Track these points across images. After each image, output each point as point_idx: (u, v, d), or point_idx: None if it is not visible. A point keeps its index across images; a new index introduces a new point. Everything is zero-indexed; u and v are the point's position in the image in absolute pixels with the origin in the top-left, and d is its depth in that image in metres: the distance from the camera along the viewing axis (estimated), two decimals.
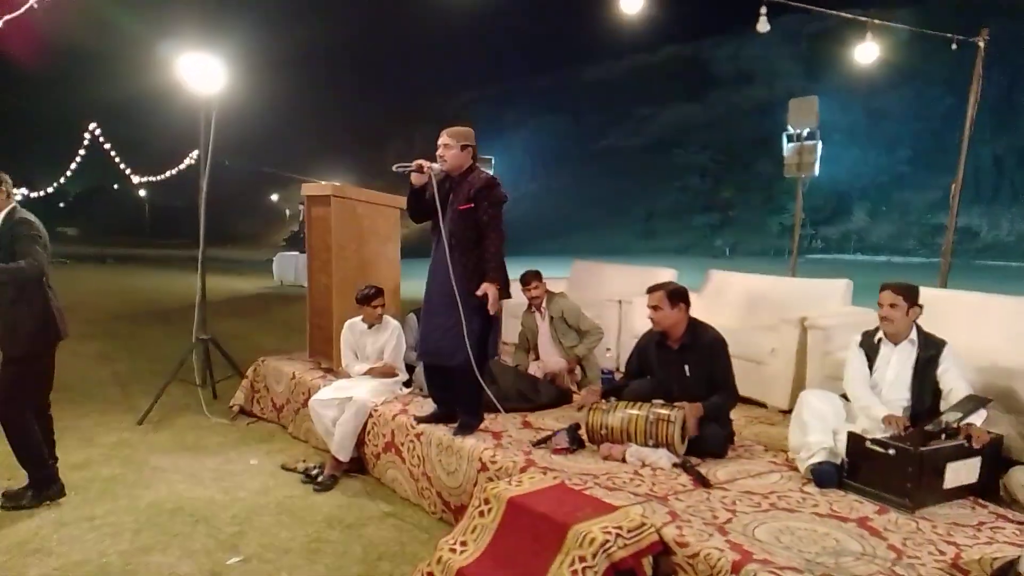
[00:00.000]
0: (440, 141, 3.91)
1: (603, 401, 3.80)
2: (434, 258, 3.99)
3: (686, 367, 3.74)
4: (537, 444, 3.76)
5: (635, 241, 44.28)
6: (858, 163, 40.53)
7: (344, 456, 4.54)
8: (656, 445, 3.50)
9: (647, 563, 2.67)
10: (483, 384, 3.96)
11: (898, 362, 3.52)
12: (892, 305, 3.51)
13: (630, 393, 3.80)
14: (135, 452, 4.93)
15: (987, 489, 3.14)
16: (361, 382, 4.81)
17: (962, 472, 3.04)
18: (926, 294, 4.64)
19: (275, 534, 3.70)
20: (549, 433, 3.80)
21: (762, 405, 4.77)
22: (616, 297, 5.82)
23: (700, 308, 5.96)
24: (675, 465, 3.41)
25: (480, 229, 3.83)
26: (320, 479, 4.43)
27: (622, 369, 5.05)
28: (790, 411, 4.62)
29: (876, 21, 6.50)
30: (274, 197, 41.90)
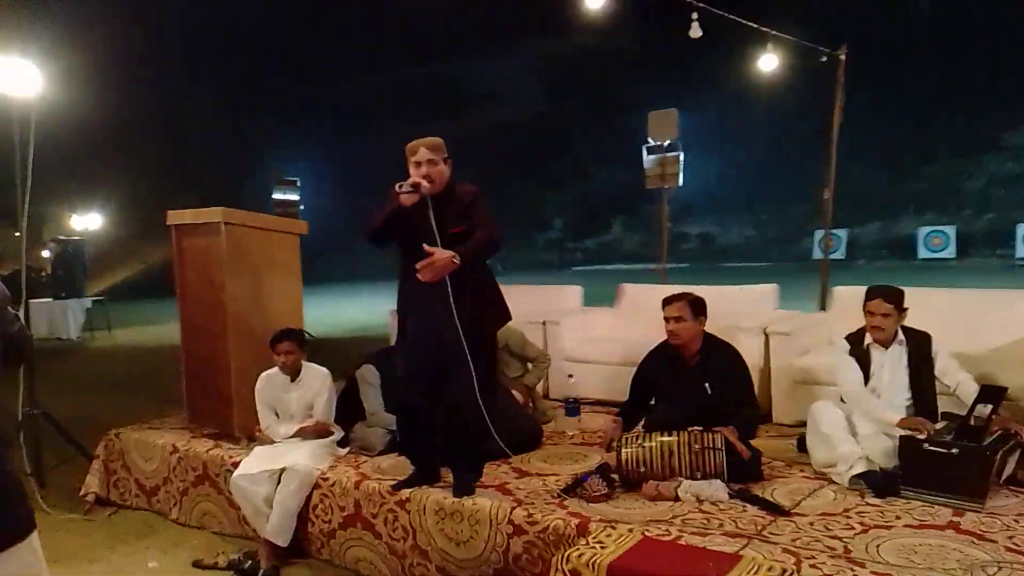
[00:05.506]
0: (419, 157, 3.25)
1: (631, 434, 3.44)
2: (416, 293, 3.31)
3: (707, 385, 3.51)
4: (566, 492, 3.29)
5: None
6: (612, 177, 44.02)
7: (284, 540, 3.72)
8: (703, 476, 3.23)
9: None
10: (492, 431, 3.38)
11: (892, 365, 3.57)
12: (885, 315, 3.52)
13: (655, 422, 3.48)
14: None
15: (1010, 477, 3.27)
16: (292, 447, 3.97)
17: (1011, 464, 3.14)
18: (842, 293, 4.95)
19: None
20: (576, 478, 3.34)
21: None
22: (538, 319, 5.45)
23: (618, 325, 5.82)
24: (732, 496, 3.16)
25: None
26: (260, 574, 3.57)
27: (578, 396, 4.70)
28: (763, 420, 4.62)
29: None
30: None
